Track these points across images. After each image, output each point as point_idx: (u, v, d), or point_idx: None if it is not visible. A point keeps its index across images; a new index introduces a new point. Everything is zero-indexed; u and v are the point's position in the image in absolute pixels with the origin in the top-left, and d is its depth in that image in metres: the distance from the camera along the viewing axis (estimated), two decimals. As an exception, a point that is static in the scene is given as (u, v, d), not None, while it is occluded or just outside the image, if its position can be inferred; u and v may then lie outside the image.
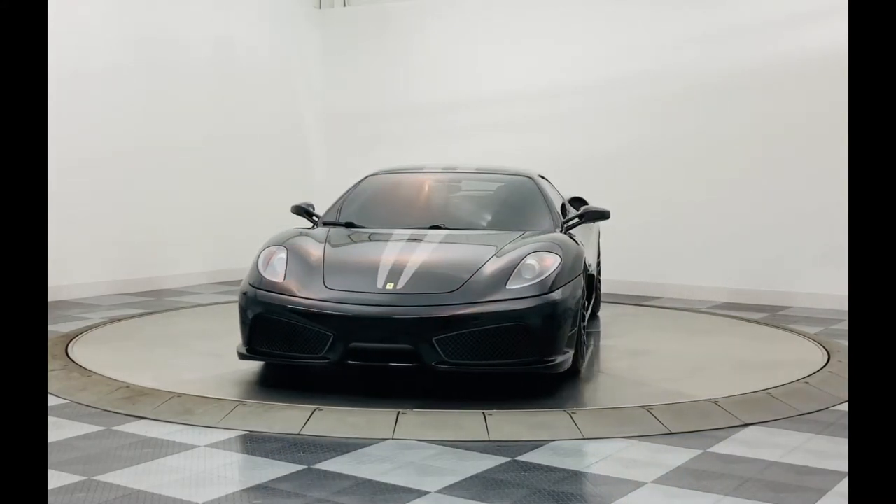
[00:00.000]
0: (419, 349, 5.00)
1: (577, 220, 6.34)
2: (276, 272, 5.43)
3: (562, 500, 3.68)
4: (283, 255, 5.55)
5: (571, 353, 5.31)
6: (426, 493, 3.73)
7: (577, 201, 7.74)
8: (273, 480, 3.86)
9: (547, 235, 5.84)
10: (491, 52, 10.95)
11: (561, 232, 6.08)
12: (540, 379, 5.61)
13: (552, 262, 5.32)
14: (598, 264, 7.98)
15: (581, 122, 10.35)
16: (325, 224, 6.38)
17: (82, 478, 3.86)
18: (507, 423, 4.64)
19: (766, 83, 9.37)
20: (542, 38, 10.62)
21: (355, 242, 5.98)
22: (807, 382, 5.57)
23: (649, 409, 4.86)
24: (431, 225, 6.14)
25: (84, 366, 5.79)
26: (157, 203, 10.16)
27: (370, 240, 5.99)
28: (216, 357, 6.06)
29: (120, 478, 3.88)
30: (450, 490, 3.76)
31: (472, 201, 6.79)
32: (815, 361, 6.17)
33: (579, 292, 5.45)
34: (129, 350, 6.29)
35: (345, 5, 12.25)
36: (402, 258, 5.43)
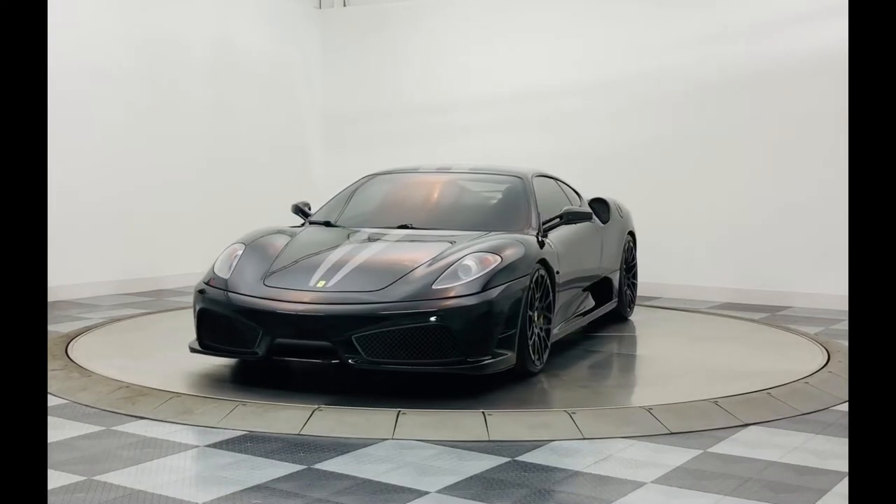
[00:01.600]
0: (338, 346, 5.07)
1: (556, 221, 6.27)
2: (226, 269, 5.66)
3: (562, 500, 3.68)
4: (239, 252, 5.76)
5: (509, 354, 5.27)
6: (426, 493, 3.73)
7: (599, 202, 7.51)
8: (273, 480, 3.86)
9: (505, 236, 5.79)
10: (492, 51, 10.96)
11: (538, 234, 6.04)
12: (539, 380, 5.62)
13: (490, 263, 5.31)
14: (627, 267, 7.90)
15: (580, 123, 10.35)
16: (310, 223, 6.55)
17: (82, 478, 3.86)
18: (507, 423, 4.64)
19: (766, 84, 9.37)
20: (542, 38, 10.63)
21: (315, 241, 6.02)
22: (807, 382, 5.57)
23: (649, 409, 4.86)
24: (400, 225, 6.21)
25: (84, 366, 5.79)
26: (157, 202, 10.16)
27: (331, 239, 6.06)
28: (216, 357, 6.06)
29: (120, 478, 3.88)
30: (450, 490, 3.76)
31: (454, 201, 6.71)
32: (815, 361, 6.17)
33: (523, 293, 5.35)
34: (128, 350, 6.29)
35: (345, 5, 12.26)
36: (346, 257, 5.56)
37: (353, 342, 5.05)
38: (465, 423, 4.63)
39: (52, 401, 5.06)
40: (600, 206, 7.43)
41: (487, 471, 4.01)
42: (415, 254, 5.57)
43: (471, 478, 3.92)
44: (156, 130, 10.13)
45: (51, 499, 3.57)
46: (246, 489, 3.76)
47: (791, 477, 3.98)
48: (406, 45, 11.64)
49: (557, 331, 6.13)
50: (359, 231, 6.18)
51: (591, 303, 7.03)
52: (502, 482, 3.87)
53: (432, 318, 5.05)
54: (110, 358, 6.09)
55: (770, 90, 9.36)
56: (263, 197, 11.03)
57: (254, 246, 5.82)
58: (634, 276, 8.14)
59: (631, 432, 4.59)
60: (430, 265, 5.34)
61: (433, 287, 5.17)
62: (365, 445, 4.37)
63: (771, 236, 9.40)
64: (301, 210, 6.82)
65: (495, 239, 5.69)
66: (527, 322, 5.40)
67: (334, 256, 5.58)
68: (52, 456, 4.09)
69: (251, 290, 5.40)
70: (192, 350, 5.63)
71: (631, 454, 4.27)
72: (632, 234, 8.10)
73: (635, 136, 10.04)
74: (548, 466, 4.08)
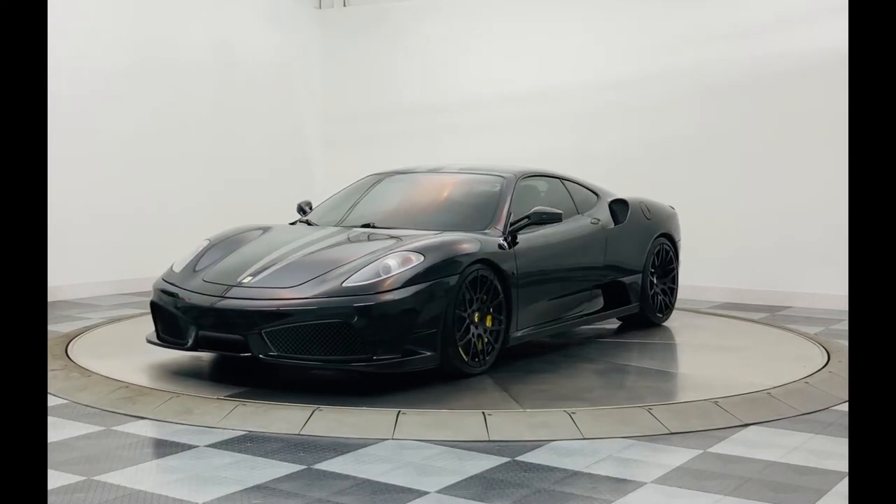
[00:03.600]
0: (249, 340, 5.21)
1: (525, 221, 6.16)
2: (181, 264, 5.95)
3: (562, 500, 3.68)
4: (201, 248, 6.06)
5: (428, 354, 5.27)
6: (426, 493, 3.73)
7: (618, 203, 7.33)
8: (273, 480, 3.86)
9: (445, 235, 5.79)
10: (492, 51, 10.96)
11: (503, 234, 6.01)
12: (538, 379, 5.62)
13: (410, 262, 5.33)
14: (663, 271, 7.60)
15: (580, 122, 10.35)
16: (298, 222, 6.80)
17: (82, 478, 3.86)
18: (507, 423, 4.64)
19: (766, 83, 9.38)
20: (543, 37, 10.63)
21: (276, 239, 6.16)
22: (807, 382, 5.57)
23: (649, 409, 4.86)
24: (364, 224, 6.35)
25: (84, 366, 5.79)
26: (158, 203, 10.16)
27: (290, 237, 6.20)
28: (216, 357, 6.05)
29: (120, 478, 3.88)
30: (450, 490, 3.76)
31: (423, 201, 6.71)
32: (815, 361, 6.17)
33: (448, 293, 5.33)
34: (129, 350, 6.29)
35: (345, 5, 12.26)
36: (283, 255, 5.72)
37: (264, 337, 5.18)
38: (465, 423, 4.63)
39: (52, 401, 5.06)
40: (618, 207, 7.25)
41: (487, 471, 4.01)
42: (351, 252, 5.66)
43: (471, 478, 3.92)
44: (156, 130, 10.12)
45: (51, 499, 3.57)
46: (246, 489, 3.76)
47: (791, 477, 3.98)
48: (406, 45, 11.64)
49: (525, 332, 6.05)
50: (323, 229, 6.35)
51: (594, 305, 6.91)
52: (502, 482, 3.87)
53: (334, 316, 5.12)
54: (110, 358, 6.09)
55: (770, 90, 9.36)
56: (263, 197, 11.02)
57: (218, 242, 6.12)
58: (672, 280, 7.75)
59: (631, 432, 4.59)
60: (355, 263, 5.42)
61: (343, 285, 5.24)
62: (365, 445, 4.37)
63: (771, 236, 9.40)
64: (302, 209, 7.06)
65: (428, 238, 5.68)
66: (453, 322, 5.36)
67: (276, 254, 5.76)
68: (52, 456, 4.09)
69: (189, 284, 5.66)
70: (149, 342, 5.86)
71: (631, 454, 4.27)
72: (668, 236, 7.68)
73: (635, 136, 10.04)
74: (548, 466, 4.08)
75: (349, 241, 5.99)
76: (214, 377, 5.67)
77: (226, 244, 6.08)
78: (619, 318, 7.54)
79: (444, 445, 4.37)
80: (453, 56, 11.28)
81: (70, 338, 6.73)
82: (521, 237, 6.12)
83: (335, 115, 12.15)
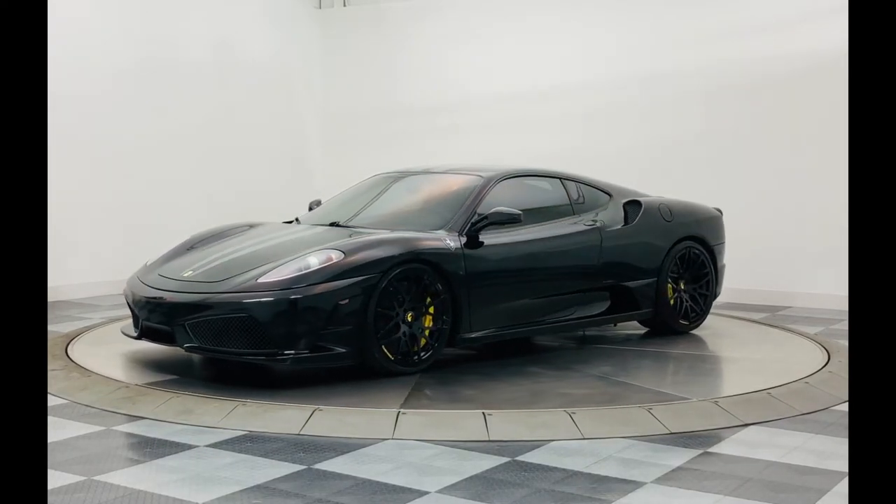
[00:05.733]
0: (175, 331, 5.50)
1: (484, 221, 6.04)
2: (153, 259, 6.30)
3: (562, 500, 3.68)
4: (178, 244, 6.40)
5: (342, 351, 5.33)
6: (426, 493, 3.73)
7: (632, 204, 7.08)
8: (273, 480, 3.86)
9: (380, 233, 5.89)
10: (492, 50, 10.96)
11: (459, 234, 5.97)
12: (539, 378, 5.62)
13: (330, 260, 5.40)
14: (691, 277, 7.22)
15: (580, 122, 10.35)
16: (295, 221, 6.96)
17: (82, 478, 3.86)
18: (507, 423, 4.64)
19: (766, 84, 9.38)
20: (543, 37, 10.63)
21: (246, 236, 6.39)
22: (807, 382, 5.57)
23: (649, 409, 4.86)
24: (331, 222, 6.51)
25: (84, 366, 5.79)
26: (157, 203, 10.16)
27: (256, 234, 6.39)
28: (215, 357, 6.05)
29: (120, 478, 3.88)
30: (450, 490, 3.76)
31: (398, 201, 6.73)
32: (815, 361, 6.17)
33: (366, 291, 5.35)
34: (128, 350, 6.29)
35: (345, 5, 12.26)
36: (228, 251, 6.00)
37: (186, 328, 5.45)
38: (465, 423, 4.63)
39: (52, 401, 5.06)
40: (630, 208, 7.03)
41: (487, 471, 4.01)
42: (289, 249, 5.77)
43: (471, 478, 3.92)
44: (156, 130, 10.12)
45: (51, 499, 3.57)
46: (246, 489, 3.76)
47: (791, 477, 3.98)
48: (406, 45, 11.64)
49: (485, 334, 5.99)
50: (295, 227, 6.54)
51: (592, 308, 6.70)
52: (502, 482, 3.87)
53: (242, 310, 5.28)
54: (110, 358, 6.09)
55: (770, 90, 9.36)
56: (263, 197, 11.03)
57: (198, 239, 6.43)
58: (704, 287, 7.30)
59: (631, 432, 4.59)
60: (283, 260, 5.54)
61: (258, 281, 5.38)
62: (365, 445, 4.37)
63: (771, 236, 9.40)
64: (311, 208, 7.31)
65: (359, 237, 5.82)
66: (374, 320, 5.38)
67: (224, 250, 6.04)
68: (52, 456, 4.09)
69: (147, 277, 5.99)
70: (123, 333, 6.08)
71: (631, 454, 4.27)
72: (698, 239, 7.28)
73: (634, 136, 10.04)
74: (548, 466, 4.08)
75: (299, 238, 6.08)
76: (214, 377, 5.67)
77: (205, 241, 6.37)
78: (642, 324, 7.29)
79: (444, 445, 4.37)
80: (454, 56, 11.28)
81: (70, 338, 6.74)
82: (486, 237, 6.05)
83: (335, 115, 12.14)
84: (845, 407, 5.04)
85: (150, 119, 10.08)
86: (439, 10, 11.42)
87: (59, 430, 4.53)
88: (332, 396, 5.09)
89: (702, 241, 7.35)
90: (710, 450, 4.36)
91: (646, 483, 3.87)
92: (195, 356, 5.96)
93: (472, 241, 5.99)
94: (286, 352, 5.26)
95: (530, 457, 4.22)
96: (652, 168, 9.92)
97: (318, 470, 4.01)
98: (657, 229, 7.08)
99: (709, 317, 8.34)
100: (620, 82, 10.13)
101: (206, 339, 5.42)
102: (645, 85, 9.99)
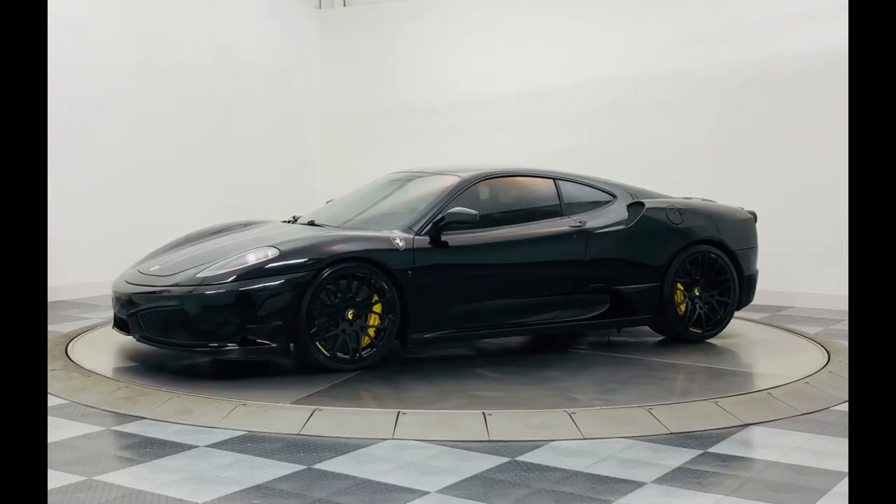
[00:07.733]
0: (131, 322, 5.81)
1: (441, 221, 5.96)
2: (144, 256, 6.56)
3: (562, 500, 3.68)
4: (171, 241, 6.65)
5: (272, 345, 5.45)
6: (426, 493, 3.73)
7: (635, 206, 6.82)
8: (273, 480, 3.86)
9: (325, 231, 6.08)
10: (493, 50, 10.95)
11: (417, 233, 5.93)
12: (539, 377, 5.62)
13: (266, 257, 5.55)
14: (707, 284, 6.85)
15: (580, 122, 10.34)
16: (290, 220, 7.09)
17: (82, 478, 3.86)
18: (507, 423, 4.64)
19: (766, 84, 9.37)
20: (544, 36, 10.62)
21: (230, 234, 6.54)
22: (807, 382, 5.57)
23: (649, 409, 4.86)
24: (309, 221, 6.67)
25: (84, 366, 5.79)
26: (157, 203, 10.15)
27: (239, 232, 6.56)
28: (216, 357, 6.06)
29: (120, 478, 3.88)
30: (450, 490, 3.76)
31: (378, 202, 6.74)
32: (816, 361, 6.17)
33: (297, 288, 5.43)
34: (128, 350, 6.29)
35: (345, 5, 12.25)
36: (197, 248, 6.22)
37: (138, 319, 5.74)
38: (465, 423, 4.63)
39: (52, 401, 5.06)
40: (632, 210, 6.80)
41: (487, 471, 4.01)
42: (243, 246, 5.91)
43: (471, 478, 3.92)
44: (156, 131, 10.11)
45: (51, 499, 3.57)
46: (246, 489, 3.76)
47: (791, 477, 3.98)
48: (406, 45, 11.63)
49: (438, 335, 5.94)
50: (276, 225, 6.70)
51: (581, 312, 6.48)
52: (502, 482, 3.87)
53: (172, 303, 5.54)
54: (110, 358, 6.10)
55: (770, 91, 9.36)
56: (264, 197, 11.02)
57: (190, 238, 6.63)
58: (723, 294, 6.92)
59: (631, 432, 4.59)
60: (230, 256, 5.70)
61: (197, 275, 5.60)
62: (365, 445, 4.37)
63: (771, 236, 9.38)
64: None
65: (298, 234, 5.99)
66: (307, 316, 5.46)
67: (200, 247, 6.24)
68: (52, 456, 4.09)
69: (128, 273, 6.26)
70: (114, 328, 6.27)
71: (631, 454, 4.27)
72: (717, 243, 6.92)
73: (632, 136, 10.04)
74: (548, 466, 4.08)
75: (260, 237, 6.20)
76: (214, 377, 5.67)
77: (194, 238, 6.60)
78: (655, 331, 7.00)
79: (444, 445, 4.37)
80: (454, 56, 11.27)
81: (70, 338, 6.74)
82: (451, 238, 6.00)
83: (335, 115, 12.14)
84: (845, 407, 5.04)
85: (151, 120, 10.07)
86: (439, 10, 11.41)
87: (59, 430, 4.53)
88: (332, 396, 5.09)
89: (721, 245, 6.95)
90: (710, 450, 4.36)
91: (646, 483, 3.87)
92: (195, 356, 5.97)
93: (435, 242, 5.95)
94: (218, 344, 5.44)
95: (530, 457, 4.22)
96: (652, 168, 9.91)
97: (317, 470, 4.01)
98: (659, 232, 6.77)
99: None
100: (623, 81, 10.12)
101: (154, 330, 5.66)
102: (645, 85, 9.98)
